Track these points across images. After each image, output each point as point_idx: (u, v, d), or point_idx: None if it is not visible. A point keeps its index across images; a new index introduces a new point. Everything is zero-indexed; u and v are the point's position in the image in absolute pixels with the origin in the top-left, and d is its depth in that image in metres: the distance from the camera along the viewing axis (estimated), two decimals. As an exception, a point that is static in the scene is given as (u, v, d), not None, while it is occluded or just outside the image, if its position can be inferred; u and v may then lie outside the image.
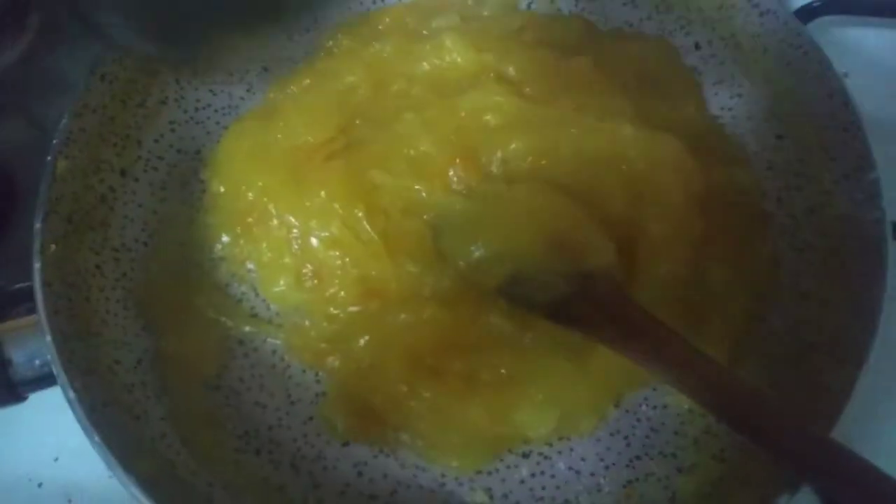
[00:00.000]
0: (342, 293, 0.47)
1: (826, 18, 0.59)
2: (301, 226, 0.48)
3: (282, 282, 0.49)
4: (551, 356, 0.45)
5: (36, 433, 0.48)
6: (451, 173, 0.46)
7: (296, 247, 0.48)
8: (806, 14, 0.58)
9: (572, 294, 0.42)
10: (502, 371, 0.45)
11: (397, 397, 0.44)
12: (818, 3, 0.58)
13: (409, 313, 0.45)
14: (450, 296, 0.45)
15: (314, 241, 0.48)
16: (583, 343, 0.45)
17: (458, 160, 0.46)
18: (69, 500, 0.46)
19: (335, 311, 0.47)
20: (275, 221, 0.49)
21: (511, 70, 0.51)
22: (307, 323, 0.48)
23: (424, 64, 0.51)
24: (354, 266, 0.47)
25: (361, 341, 0.46)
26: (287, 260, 0.48)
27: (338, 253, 0.47)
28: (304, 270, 0.48)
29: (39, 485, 0.47)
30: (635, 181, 0.48)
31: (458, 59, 0.51)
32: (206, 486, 0.42)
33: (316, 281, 0.48)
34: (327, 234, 0.47)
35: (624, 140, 0.48)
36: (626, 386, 0.46)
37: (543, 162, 0.47)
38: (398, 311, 0.45)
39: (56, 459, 0.47)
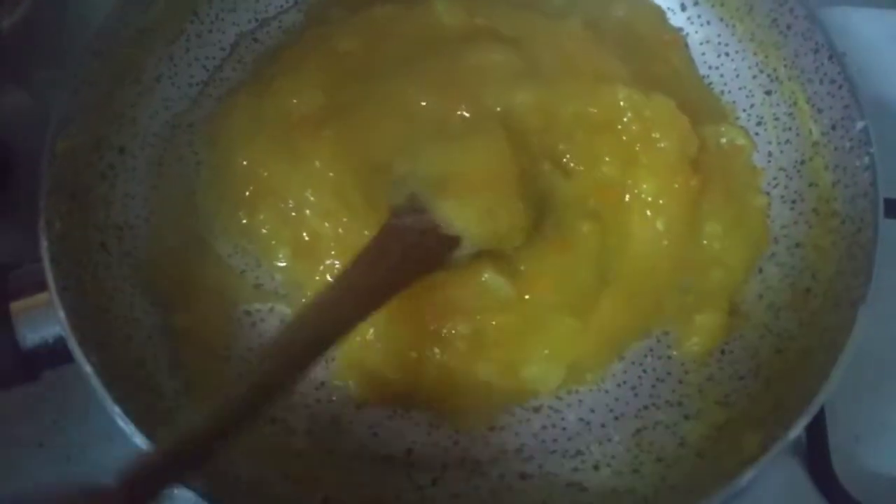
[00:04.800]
0: (339, 263, 0.47)
1: (823, -2, 0.61)
2: (296, 196, 0.48)
3: (280, 253, 0.49)
4: (555, 312, 0.46)
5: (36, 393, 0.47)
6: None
7: (292, 217, 0.48)
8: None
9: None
10: (507, 330, 0.46)
11: (406, 365, 0.45)
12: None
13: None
14: None
15: (309, 211, 0.48)
16: (584, 299, 0.46)
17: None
18: (69, 460, 0.47)
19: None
20: (270, 193, 0.49)
21: (505, 32, 0.51)
22: (309, 293, 0.48)
23: (417, 28, 0.52)
24: (350, 235, 0.47)
25: None
26: (285, 231, 0.48)
27: (333, 223, 0.47)
28: (302, 241, 0.48)
29: (39, 444, 0.47)
30: (631, 142, 0.49)
31: (451, 23, 0.52)
32: (224, 456, 0.42)
33: (313, 251, 0.48)
34: (322, 204, 0.48)
35: (619, 102, 0.49)
36: (629, 337, 0.47)
37: (542, 126, 0.48)
38: None
39: (55, 420, 0.47)
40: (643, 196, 0.49)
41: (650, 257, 0.48)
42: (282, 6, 0.56)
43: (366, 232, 0.46)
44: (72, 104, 0.45)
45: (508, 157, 0.46)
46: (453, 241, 0.43)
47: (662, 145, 0.49)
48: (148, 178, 0.50)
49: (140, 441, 0.38)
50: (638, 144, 0.49)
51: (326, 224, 0.48)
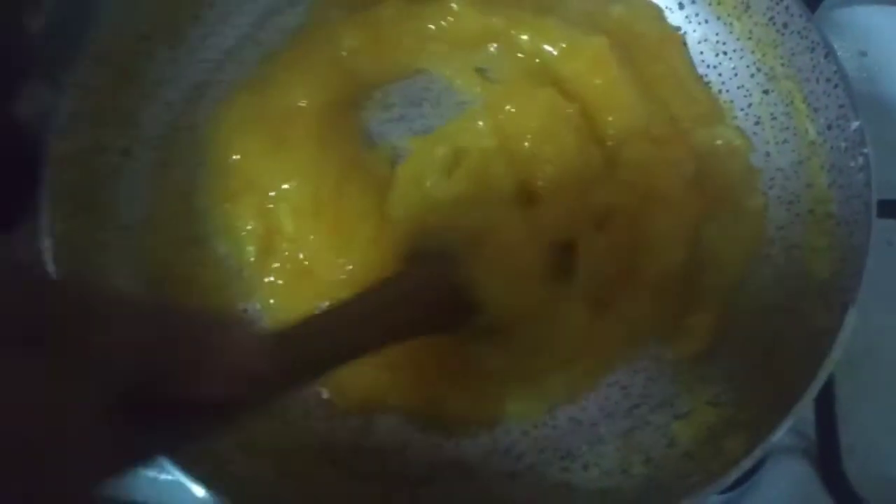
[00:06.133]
0: (290, 265, 0.48)
1: (843, -4, 0.60)
2: (276, 194, 0.48)
3: (249, 248, 0.49)
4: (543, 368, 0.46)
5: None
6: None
7: (265, 212, 0.49)
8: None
9: None
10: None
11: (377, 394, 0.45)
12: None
13: None
14: None
15: (285, 211, 0.48)
16: (575, 346, 0.46)
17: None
18: None
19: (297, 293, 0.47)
20: (255, 190, 0.49)
21: (524, 37, 0.52)
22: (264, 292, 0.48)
23: (431, 25, 0.53)
24: (311, 240, 0.47)
25: None
26: (256, 226, 0.48)
27: (301, 227, 0.48)
28: (265, 238, 0.49)
29: None
30: (637, 191, 0.49)
31: (467, 22, 0.53)
32: (221, 448, 0.43)
33: (273, 249, 0.48)
34: (296, 204, 0.48)
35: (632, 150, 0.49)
36: (620, 359, 0.47)
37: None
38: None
39: None
40: (648, 234, 0.48)
41: (651, 285, 0.47)
42: (282, 9, 0.57)
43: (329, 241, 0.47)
44: (71, 107, 0.46)
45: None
46: (471, 308, 0.42)
47: (659, 183, 0.48)
48: (151, 180, 0.51)
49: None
50: (642, 200, 0.48)
51: (299, 228, 0.48)
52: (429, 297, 0.41)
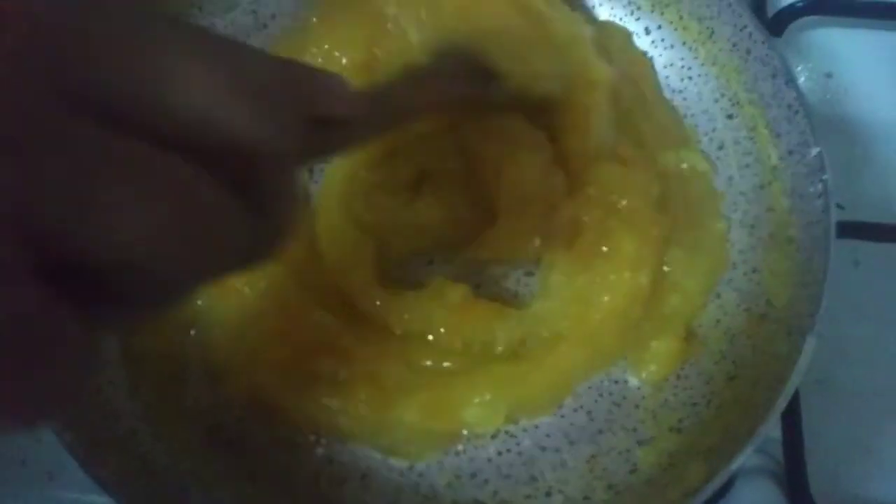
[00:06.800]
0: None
1: (809, 19, 0.60)
2: None
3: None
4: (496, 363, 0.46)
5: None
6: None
7: None
8: (789, 15, 0.60)
9: None
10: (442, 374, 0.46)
11: (321, 417, 0.45)
12: (801, 4, 0.59)
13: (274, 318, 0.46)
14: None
15: None
16: (536, 352, 0.46)
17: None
18: (51, 478, 0.47)
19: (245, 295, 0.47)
20: None
21: None
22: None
23: None
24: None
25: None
26: None
27: None
28: None
29: (22, 462, 0.48)
30: (603, 218, 0.48)
31: None
32: (178, 480, 0.43)
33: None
34: None
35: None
36: (584, 376, 0.47)
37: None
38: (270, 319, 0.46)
39: (39, 439, 0.48)
40: (614, 254, 0.47)
41: (614, 307, 0.47)
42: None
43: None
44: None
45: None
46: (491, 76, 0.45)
47: (624, 203, 0.48)
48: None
49: (90, 470, 0.38)
50: (607, 217, 0.48)
51: None
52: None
